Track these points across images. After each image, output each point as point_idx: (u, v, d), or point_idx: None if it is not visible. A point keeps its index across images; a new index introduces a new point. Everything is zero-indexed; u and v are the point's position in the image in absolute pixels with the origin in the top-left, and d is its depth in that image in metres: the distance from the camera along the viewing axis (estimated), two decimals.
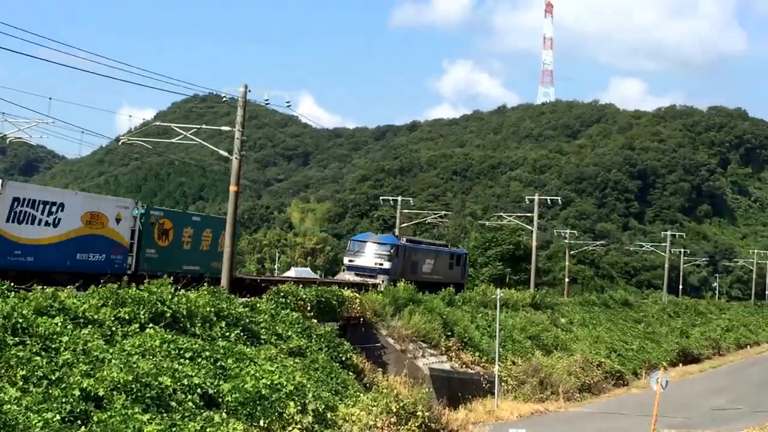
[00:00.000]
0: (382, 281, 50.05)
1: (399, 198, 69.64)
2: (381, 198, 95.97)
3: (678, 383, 50.72)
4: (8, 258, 26.56)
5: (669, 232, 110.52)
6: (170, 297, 21.48)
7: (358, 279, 50.37)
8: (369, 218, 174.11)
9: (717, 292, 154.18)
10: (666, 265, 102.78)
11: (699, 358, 72.30)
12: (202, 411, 16.73)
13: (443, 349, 40.10)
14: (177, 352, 18.79)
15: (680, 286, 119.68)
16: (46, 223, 28.31)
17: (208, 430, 15.97)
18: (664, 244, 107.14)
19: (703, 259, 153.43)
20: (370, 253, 53.09)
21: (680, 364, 65.65)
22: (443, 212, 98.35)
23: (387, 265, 52.16)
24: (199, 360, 18.89)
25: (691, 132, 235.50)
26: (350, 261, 53.91)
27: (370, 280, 49.82)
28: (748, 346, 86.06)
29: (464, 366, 40.66)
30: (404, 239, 58.26)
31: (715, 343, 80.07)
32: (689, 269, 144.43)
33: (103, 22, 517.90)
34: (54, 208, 28.70)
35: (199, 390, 17.33)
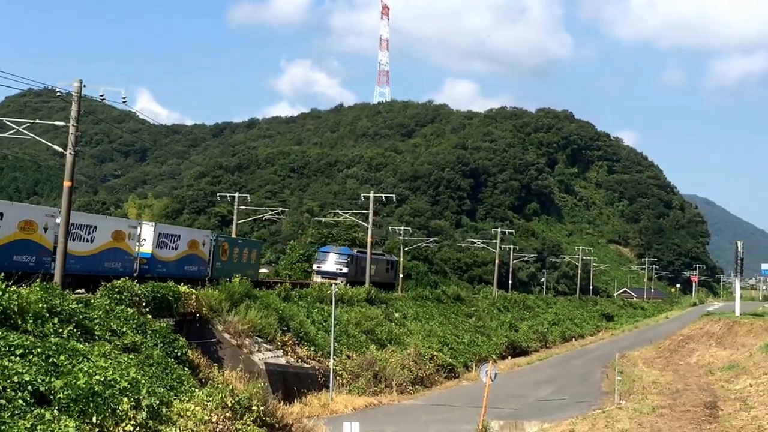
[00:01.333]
0: (342, 281, 64.30)
1: (236, 195, 69.20)
2: (218, 194, 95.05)
3: (507, 375, 52.72)
4: (156, 269, 44.73)
5: (499, 229, 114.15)
6: (0, 293, 20.93)
7: (325, 280, 63.58)
8: (207, 214, 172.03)
9: (544, 287, 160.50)
10: (496, 261, 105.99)
11: (527, 351, 75.24)
12: (33, 409, 16.40)
13: (279, 343, 40.35)
14: (7, 348, 18.30)
15: (510, 282, 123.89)
16: (171, 248, 47.02)
17: (39, 428, 15.68)
18: (494, 240, 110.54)
19: (532, 255, 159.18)
20: (332, 261, 70.07)
21: (509, 357, 68.11)
22: (280, 209, 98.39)
23: (345, 270, 69.25)
24: (31, 357, 18.48)
25: (521, 133, 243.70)
26: (318, 267, 70.71)
27: (334, 281, 58.29)
28: (573, 339, 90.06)
29: (300, 360, 41.04)
30: (356, 250, 75.00)
31: (542, 337, 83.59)
32: (518, 265, 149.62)
33: None
34: (175, 239, 47.43)
35: (29, 387, 16.95)
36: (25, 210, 36.20)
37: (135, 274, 41.37)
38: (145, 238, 44.58)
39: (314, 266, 72.22)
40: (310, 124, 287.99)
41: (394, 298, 66.67)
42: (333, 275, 67.57)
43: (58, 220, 34.91)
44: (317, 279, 67.97)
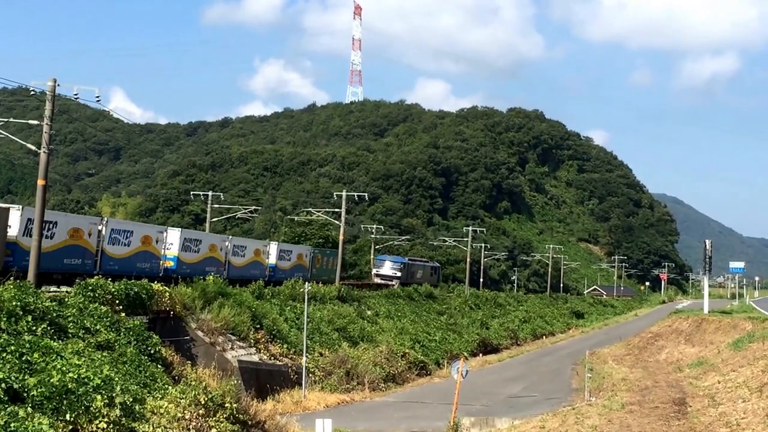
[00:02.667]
0: (396, 283, 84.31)
1: (210, 193, 69.05)
2: (192, 193, 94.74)
3: (478, 372, 53.03)
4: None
5: (471, 228, 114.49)
6: None
7: (384, 282, 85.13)
8: (180, 213, 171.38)
9: (515, 285, 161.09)
10: (468, 259, 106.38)
11: (498, 348, 75.66)
12: (6, 406, 16.41)
13: (252, 341, 40.41)
14: None
15: (481, 280, 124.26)
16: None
17: (12, 425, 15.68)
18: (466, 239, 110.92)
19: (503, 253, 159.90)
20: (388, 267, 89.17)
21: (480, 354, 68.49)
22: (254, 207, 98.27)
23: (399, 274, 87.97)
24: (4, 354, 18.43)
25: (492, 132, 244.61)
26: (377, 271, 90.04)
27: (390, 283, 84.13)
28: (544, 337, 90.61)
29: (273, 358, 41.12)
30: (407, 258, 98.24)
31: (513, 334, 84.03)
32: (490, 263, 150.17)
33: None
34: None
35: (3, 385, 16.94)
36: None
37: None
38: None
39: (373, 270, 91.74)
40: (283, 124, 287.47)
41: (367, 295, 66.78)
42: (389, 278, 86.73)
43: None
44: (377, 280, 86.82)
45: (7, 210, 34.72)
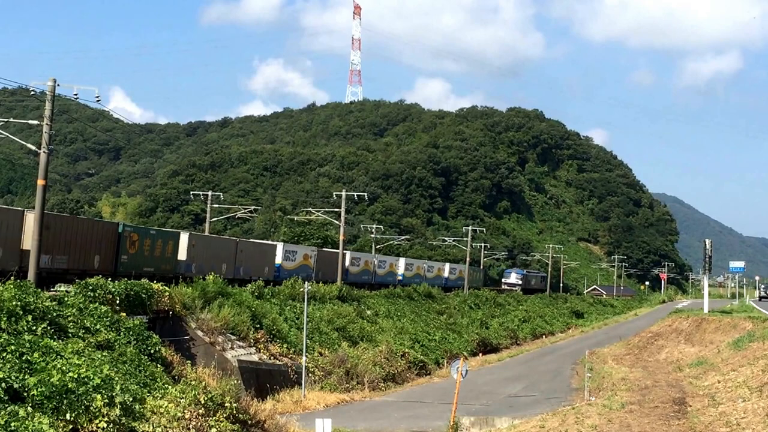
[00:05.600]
0: (519, 288, 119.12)
1: (210, 193, 69.04)
2: (192, 193, 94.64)
3: (477, 372, 53.09)
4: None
5: (470, 227, 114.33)
6: None
7: (510, 288, 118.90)
8: (180, 213, 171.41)
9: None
10: (467, 259, 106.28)
11: (498, 348, 75.64)
12: (7, 405, 16.45)
13: (252, 341, 40.44)
14: None
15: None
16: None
17: (12, 424, 15.73)
18: (465, 238, 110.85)
19: (503, 253, 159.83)
20: (514, 277, 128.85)
21: (480, 354, 68.48)
22: (253, 207, 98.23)
23: (521, 282, 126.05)
24: (4, 354, 18.47)
25: (492, 132, 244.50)
26: (505, 280, 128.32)
27: (514, 288, 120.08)
28: (544, 336, 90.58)
29: (272, 357, 41.14)
30: (525, 270, 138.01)
31: (513, 334, 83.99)
32: (489, 263, 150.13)
33: None
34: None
35: (3, 384, 16.99)
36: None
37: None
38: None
39: (503, 279, 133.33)
40: (282, 123, 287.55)
41: (366, 295, 66.78)
42: (514, 285, 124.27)
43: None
44: (504, 286, 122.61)
45: (278, 245, 66.68)
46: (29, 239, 34.00)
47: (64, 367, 18.93)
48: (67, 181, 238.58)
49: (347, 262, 75.39)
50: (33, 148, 34.02)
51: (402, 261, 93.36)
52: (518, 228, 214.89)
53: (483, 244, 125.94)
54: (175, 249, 50.06)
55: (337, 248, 74.37)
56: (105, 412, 18.37)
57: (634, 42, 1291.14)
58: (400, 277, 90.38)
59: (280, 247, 66.51)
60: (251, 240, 74.88)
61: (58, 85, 32.62)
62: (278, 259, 65.10)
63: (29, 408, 16.89)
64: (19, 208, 38.66)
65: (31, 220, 35.14)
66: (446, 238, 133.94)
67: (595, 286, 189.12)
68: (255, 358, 39.33)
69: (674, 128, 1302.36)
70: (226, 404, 23.36)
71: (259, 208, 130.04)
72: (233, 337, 38.97)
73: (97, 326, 25.52)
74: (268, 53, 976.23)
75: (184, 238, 51.93)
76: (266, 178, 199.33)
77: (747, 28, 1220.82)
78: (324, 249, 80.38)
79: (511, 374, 54.86)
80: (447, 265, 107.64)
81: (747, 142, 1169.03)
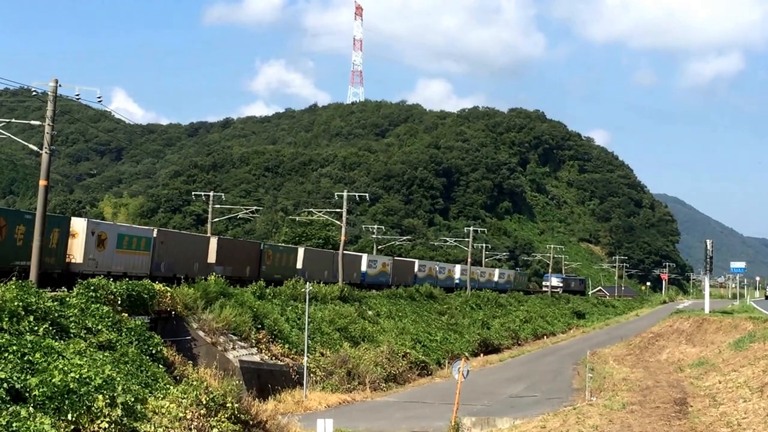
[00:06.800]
0: (560, 290, 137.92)
1: (211, 193, 69.14)
2: (194, 193, 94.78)
3: (479, 372, 53.07)
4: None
5: (472, 228, 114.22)
6: None
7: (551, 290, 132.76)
8: (182, 213, 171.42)
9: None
10: (469, 260, 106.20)
11: (499, 348, 75.58)
12: (9, 406, 16.48)
13: (253, 341, 40.42)
14: None
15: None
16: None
17: (14, 424, 15.75)
18: (467, 239, 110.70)
19: (504, 253, 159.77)
20: (555, 281, 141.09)
21: (481, 354, 68.47)
22: (255, 208, 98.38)
23: (562, 284, 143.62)
24: (6, 354, 18.51)
25: (493, 132, 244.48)
26: (546, 283, 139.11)
27: (556, 291, 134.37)
28: (545, 337, 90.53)
29: (274, 358, 41.13)
30: (565, 275, 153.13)
31: (514, 334, 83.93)
32: (490, 263, 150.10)
33: None
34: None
35: (5, 385, 17.02)
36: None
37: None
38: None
39: (544, 282, 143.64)
40: (284, 124, 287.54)
41: (368, 296, 66.75)
42: (556, 287, 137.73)
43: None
44: (545, 289, 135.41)
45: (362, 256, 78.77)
46: (213, 256, 52.27)
47: (65, 368, 18.96)
48: (69, 182, 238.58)
49: (416, 268, 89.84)
50: (35, 148, 34.06)
51: (458, 267, 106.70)
52: (519, 228, 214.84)
53: (484, 245, 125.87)
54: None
55: (339, 249, 74.21)
56: (107, 413, 18.41)
57: (635, 43, 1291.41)
58: (457, 281, 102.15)
59: (364, 258, 78.19)
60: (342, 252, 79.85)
61: (60, 85, 32.64)
62: (363, 267, 76.59)
63: (31, 408, 16.92)
64: (206, 235, 57.35)
65: (214, 242, 53.15)
66: (447, 239, 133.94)
67: (600, 288, 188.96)
68: (257, 358, 39.33)
69: (675, 129, 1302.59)
70: (228, 405, 23.36)
71: (261, 208, 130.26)
72: (235, 338, 38.97)
73: (99, 327, 25.56)
74: (270, 54, 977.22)
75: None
76: (268, 179, 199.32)
77: (748, 29, 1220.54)
78: (398, 258, 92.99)
79: (513, 374, 54.82)
80: (497, 270, 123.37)
81: (748, 142, 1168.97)
